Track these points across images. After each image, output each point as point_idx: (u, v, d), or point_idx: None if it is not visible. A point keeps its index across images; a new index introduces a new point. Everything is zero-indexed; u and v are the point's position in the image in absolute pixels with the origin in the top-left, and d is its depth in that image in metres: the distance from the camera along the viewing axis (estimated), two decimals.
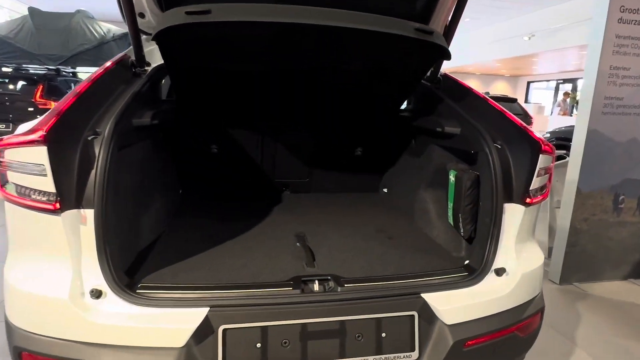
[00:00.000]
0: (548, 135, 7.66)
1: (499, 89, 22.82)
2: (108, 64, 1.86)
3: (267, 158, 2.76)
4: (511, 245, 1.74)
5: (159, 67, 2.11)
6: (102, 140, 1.44)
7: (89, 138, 1.44)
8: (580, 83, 18.22)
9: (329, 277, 1.63)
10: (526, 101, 21.67)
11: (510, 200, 1.72)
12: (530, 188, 1.69)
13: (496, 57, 17.55)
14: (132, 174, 1.80)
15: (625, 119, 3.58)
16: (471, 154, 1.95)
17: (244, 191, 2.83)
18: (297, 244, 2.02)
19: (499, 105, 1.93)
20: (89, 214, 1.39)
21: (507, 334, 1.65)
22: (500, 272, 1.69)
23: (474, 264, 1.78)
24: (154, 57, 2.15)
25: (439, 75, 2.36)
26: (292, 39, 1.88)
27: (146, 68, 2.14)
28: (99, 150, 1.42)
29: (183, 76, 2.17)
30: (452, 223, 2.12)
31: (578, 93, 15.78)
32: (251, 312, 1.43)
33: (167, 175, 2.40)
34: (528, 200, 1.69)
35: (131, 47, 1.97)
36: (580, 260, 3.69)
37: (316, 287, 1.58)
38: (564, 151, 6.16)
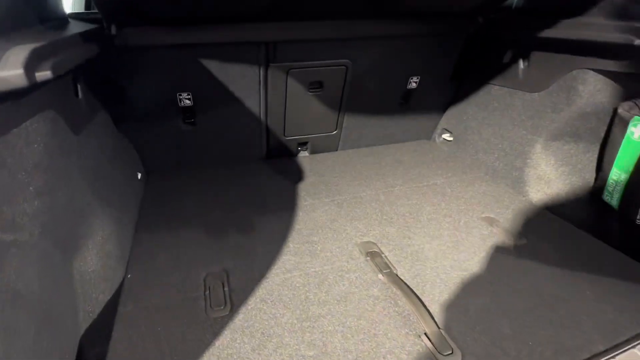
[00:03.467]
0: None
1: None
2: None
3: (275, 104, 1.69)
4: None
5: None
6: None
7: None
8: None
9: None
10: None
11: None
12: None
13: None
14: (12, 202, 0.76)
15: None
16: None
17: (238, 162, 1.79)
18: (380, 276, 1.12)
19: None
20: None
21: None
22: None
23: None
24: None
25: None
26: None
27: None
28: None
29: None
30: (614, 202, 1.29)
31: None
32: None
33: (111, 162, 1.32)
34: None
35: None
36: None
37: None
38: None
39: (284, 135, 1.82)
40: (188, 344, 0.90)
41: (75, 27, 1.09)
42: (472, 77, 1.82)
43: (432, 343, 0.90)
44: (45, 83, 0.75)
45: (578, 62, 1.32)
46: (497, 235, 1.31)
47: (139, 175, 1.57)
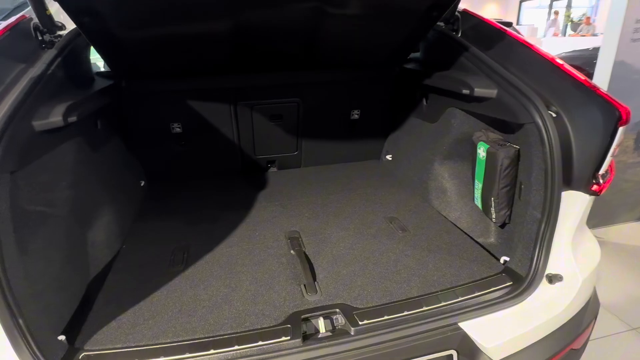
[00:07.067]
0: None
1: (490, 12, 21.37)
2: None
3: (245, 131, 2.24)
4: (567, 243, 1.35)
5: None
6: None
7: None
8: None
9: (337, 311, 1.24)
10: (518, 23, 20.45)
11: (569, 186, 1.30)
12: (600, 172, 1.25)
13: None
14: (53, 190, 1.32)
15: None
16: (509, 122, 1.48)
17: (219, 175, 2.34)
18: (292, 251, 1.60)
19: (548, 54, 1.42)
20: None
21: (563, 355, 1.32)
22: (554, 279, 1.32)
23: (516, 268, 1.40)
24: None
25: (456, 12, 1.79)
26: None
27: (59, 33, 1.55)
28: None
29: (109, 42, 1.56)
30: (480, 206, 1.71)
31: (572, 10, 14.91)
32: None
33: (120, 171, 1.90)
34: (595, 187, 1.26)
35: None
36: (595, 205, 3.39)
37: (321, 327, 1.19)
38: None
39: (255, 154, 2.37)
40: (154, 283, 1.42)
41: (98, 83, 1.71)
42: (402, 110, 2.31)
43: (305, 288, 1.37)
44: (75, 122, 1.33)
45: (449, 102, 1.79)
46: (390, 229, 1.76)
47: (142, 183, 2.15)
